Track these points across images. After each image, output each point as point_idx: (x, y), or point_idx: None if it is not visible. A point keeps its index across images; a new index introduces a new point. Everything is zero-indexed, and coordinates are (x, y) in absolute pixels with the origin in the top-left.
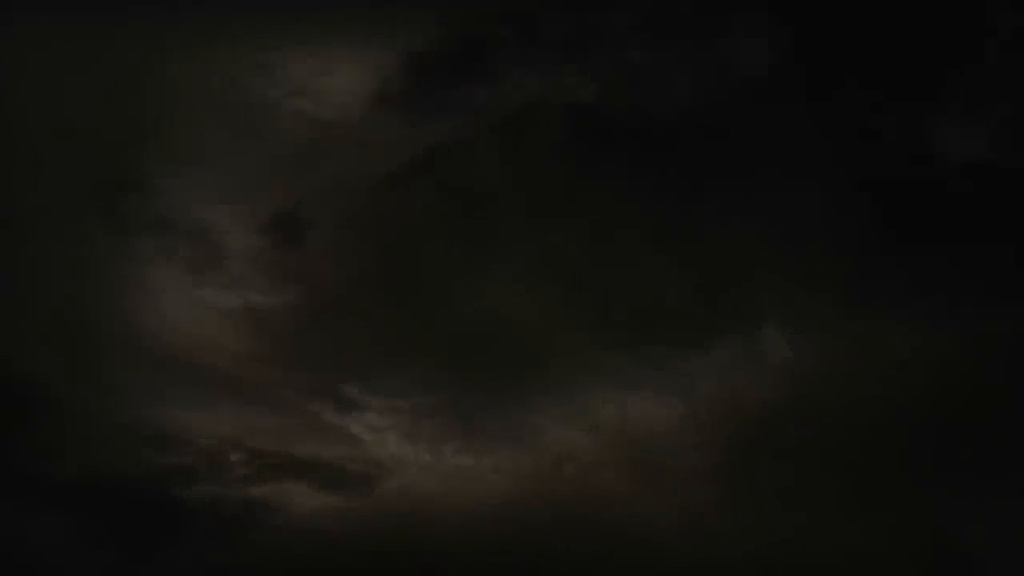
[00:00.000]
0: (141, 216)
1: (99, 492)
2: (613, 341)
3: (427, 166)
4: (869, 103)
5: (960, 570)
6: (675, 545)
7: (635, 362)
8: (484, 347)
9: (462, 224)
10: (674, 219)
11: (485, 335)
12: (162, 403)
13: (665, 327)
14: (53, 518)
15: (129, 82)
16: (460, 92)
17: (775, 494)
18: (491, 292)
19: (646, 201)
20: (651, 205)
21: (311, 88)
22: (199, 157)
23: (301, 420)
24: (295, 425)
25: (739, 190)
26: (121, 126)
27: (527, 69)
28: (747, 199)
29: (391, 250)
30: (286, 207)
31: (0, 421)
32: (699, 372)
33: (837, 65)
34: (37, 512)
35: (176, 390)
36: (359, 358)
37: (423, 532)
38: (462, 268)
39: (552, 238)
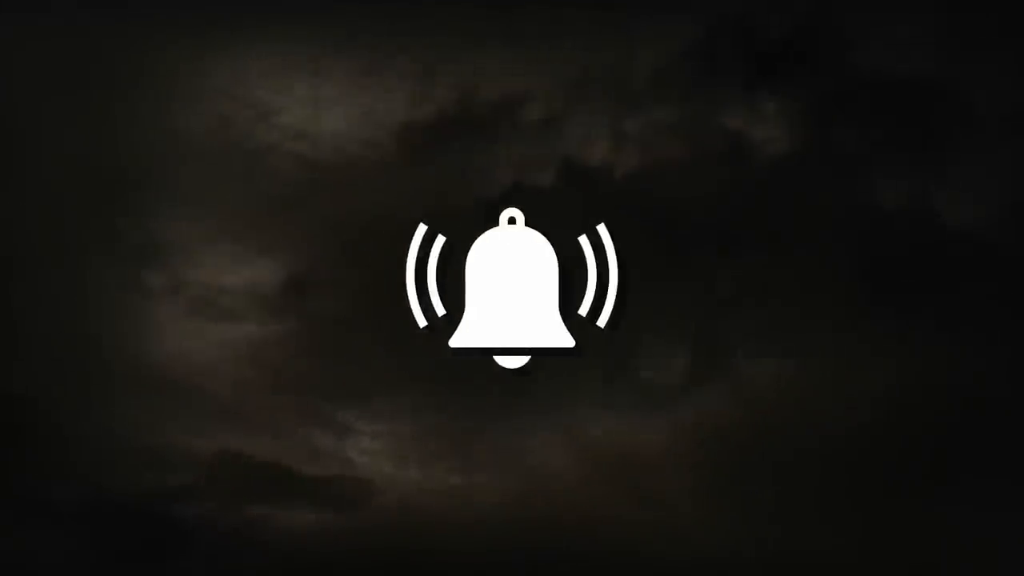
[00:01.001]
0: (143, 252)
1: (99, 509)
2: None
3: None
4: (876, 176)
5: None
6: (666, 558)
7: (627, 390)
8: (477, 374)
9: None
10: (671, 269)
11: (478, 363)
12: (163, 426)
13: (656, 363)
14: (53, 532)
15: (131, 125)
16: (454, 155)
17: (763, 512)
18: None
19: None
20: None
21: (310, 133)
22: (199, 195)
23: (298, 443)
24: (292, 447)
25: (738, 245)
26: (124, 166)
27: (522, 137)
28: (744, 252)
29: (387, 284)
30: (285, 244)
31: (3, 442)
32: (688, 399)
33: (846, 142)
34: (39, 528)
35: (177, 415)
36: (355, 385)
37: (416, 548)
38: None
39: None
